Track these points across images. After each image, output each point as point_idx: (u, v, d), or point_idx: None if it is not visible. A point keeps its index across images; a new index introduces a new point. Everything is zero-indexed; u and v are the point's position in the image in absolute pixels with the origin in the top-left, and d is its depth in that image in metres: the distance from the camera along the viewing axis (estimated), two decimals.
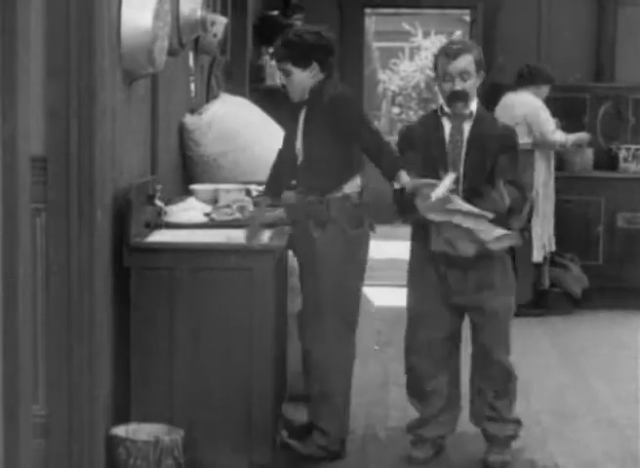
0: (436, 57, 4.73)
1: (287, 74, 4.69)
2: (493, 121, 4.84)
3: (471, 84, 4.63)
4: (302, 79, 4.67)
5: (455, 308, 4.78)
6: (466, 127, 4.69)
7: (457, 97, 4.62)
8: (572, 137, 8.00)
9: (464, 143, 4.67)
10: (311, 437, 4.78)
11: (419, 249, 4.79)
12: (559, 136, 7.90)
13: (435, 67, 4.72)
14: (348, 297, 4.76)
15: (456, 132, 4.68)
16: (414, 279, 4.83)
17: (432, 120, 4.77)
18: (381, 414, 5.51)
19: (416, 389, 4.90)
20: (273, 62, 4.94)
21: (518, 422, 4.91)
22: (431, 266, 4.73)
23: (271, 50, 4.87)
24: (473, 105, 4.68)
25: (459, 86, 4.60)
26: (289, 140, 4.86)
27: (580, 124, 8.65)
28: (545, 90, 7.96)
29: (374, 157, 4.64)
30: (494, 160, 4.67)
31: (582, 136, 8.13)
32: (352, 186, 4.73)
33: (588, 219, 8.34)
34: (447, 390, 4.87)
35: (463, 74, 4.61)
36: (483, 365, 4.85)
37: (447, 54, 4.64)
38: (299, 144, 4.77)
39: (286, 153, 4.88)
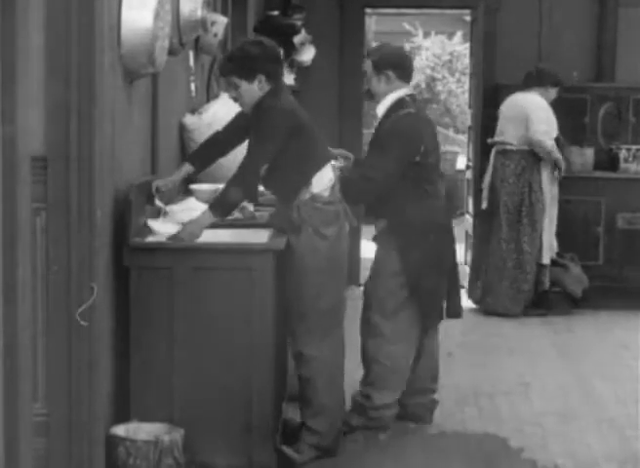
0: None
1: (235, 87, 4.71)
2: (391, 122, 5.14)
3: (372, 84, 5.19)
4: (250, 91, 4.68)
5: None
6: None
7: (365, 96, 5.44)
8: (557, 155, 7.97)
9: None
10: (302, 438, 4.79)
11: None
12: (547, 141, 7.88)
13: None
14: (333, 296, 4.78)
15: None
16: None
17: None
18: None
19: None
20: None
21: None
22: None
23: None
24: (380, 107, 5.19)
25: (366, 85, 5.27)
26: (225, 131, 4.98)
27: (580, 124, 8.65)
28: (553, 92, 8.01)
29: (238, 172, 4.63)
30: None
31: (561, 163, 8.05)
32: (320, 183, 4.74)
33: (588, 220, 8.35)
34: None
35: (366, 76, 5.21)
36: None
37: None
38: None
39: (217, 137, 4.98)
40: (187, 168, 4.92)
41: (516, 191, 8.00)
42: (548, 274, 8.05)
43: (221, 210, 4.58)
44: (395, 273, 5.08)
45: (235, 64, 4.70)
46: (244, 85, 4.67)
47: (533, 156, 7.95)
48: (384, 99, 5.15)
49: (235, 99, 4.77)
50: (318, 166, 4.75)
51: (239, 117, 4.94)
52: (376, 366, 5.14)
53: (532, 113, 7.90)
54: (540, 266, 8.00)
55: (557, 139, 8.06)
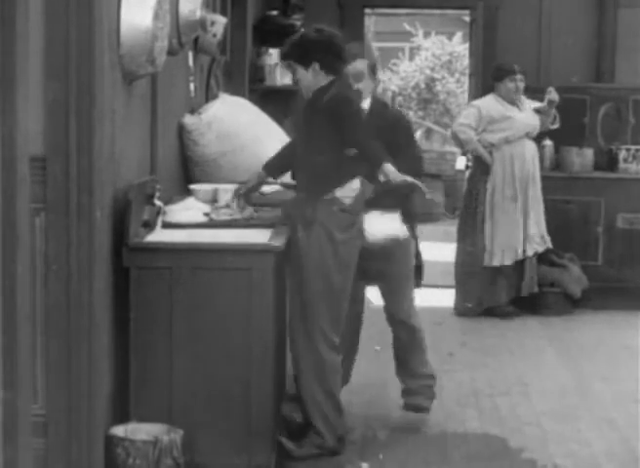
0: None
1: (293, 72, 4.83)
2: (384, 112, 5.32)
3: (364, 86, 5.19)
4: (305, 77, 4.75)
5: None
6: None
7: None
8: (476, 146, 7.90)
9: None
10: (308, 436, 4.80)
11: None
12: (461, 134, 7.89)
13: None
14: (333, 299, 4.76)
15: None
16: None
17: None
18: (382, 414, 5.52)
19: None
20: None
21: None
22: None
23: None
24: (365, 103, 5.19)
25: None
26: (295, 138, 5.00)
27: (580, 125, 8.65)
28: (510, 84, 7.85)
29: (360, 150, 4.71)
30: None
31: (487, 158, 7.97)
32: (346, 190, 4.73)
33: (588, 220, 8.33)
34: None
35: (358, 76, 5.15)
36: None
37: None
38: (301, 148, 4.82)
39: (293, 147, 5.00)
40: (262, 175, 5.03)
41: (467, 193, 8.14)
42: (532, 269, 7.97)
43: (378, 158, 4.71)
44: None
45: (293, 48, 4.79)
46: (300, 70, 4.76)
47: (480, 158, 7.95)
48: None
49: (296, 84, 4.91)
50: (354, 175, 4.77)
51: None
52: None
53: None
54: (518, 263, 7.93)
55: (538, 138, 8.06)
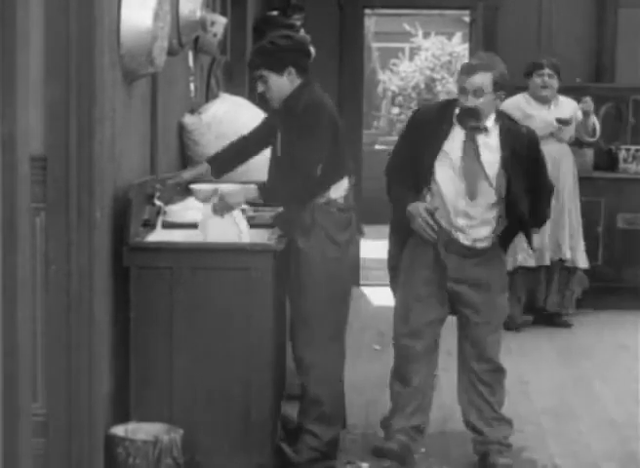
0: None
1: (264, 81, 4.66)
2: (515, 128, 4.86)
3: (485, 101, 4.67)
4: (280, 84, 4.64)
5: (446, 297, 4.81)
6: (488, 140, 4.72)
7: (468, 114, 4.65)
8: None
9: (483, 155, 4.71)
10: (302, 439, 4.79)
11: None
12: None
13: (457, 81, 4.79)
14: (338, 302, 4.75)
15: (469, 144, 4.70)
16: (409, 264, 4.83)
17: (448, 118, 4.75)
18: (381, 414, 5.51)
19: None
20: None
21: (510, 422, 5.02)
22: (430, 250, 4.75)
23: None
24: (489, 121, 4.73)
25: (470, 102, 4.63)
26: (272, 149, 4.86)
27: None
28: (537, 80, 7.61)
29: (299, 168, 4.58)
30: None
31: None
32: (339, 190, 4.72)
33: (588, 220, 8.32)
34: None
35: (477, 91, 4.64)
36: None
37: (464, 69, 4.73)
38: (279, 152, 4.76)
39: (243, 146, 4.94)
40: (204, 168, 4.90)
41: None
42: (521, 283, 7.78)
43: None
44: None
45: (264, 56, 4.65)
46: (273, 77, 4.63)
47: None
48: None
49: (262, 95, 4.73)
50: (341, 174, 4.73)
51: (265, 123, 4.92)
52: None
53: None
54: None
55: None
